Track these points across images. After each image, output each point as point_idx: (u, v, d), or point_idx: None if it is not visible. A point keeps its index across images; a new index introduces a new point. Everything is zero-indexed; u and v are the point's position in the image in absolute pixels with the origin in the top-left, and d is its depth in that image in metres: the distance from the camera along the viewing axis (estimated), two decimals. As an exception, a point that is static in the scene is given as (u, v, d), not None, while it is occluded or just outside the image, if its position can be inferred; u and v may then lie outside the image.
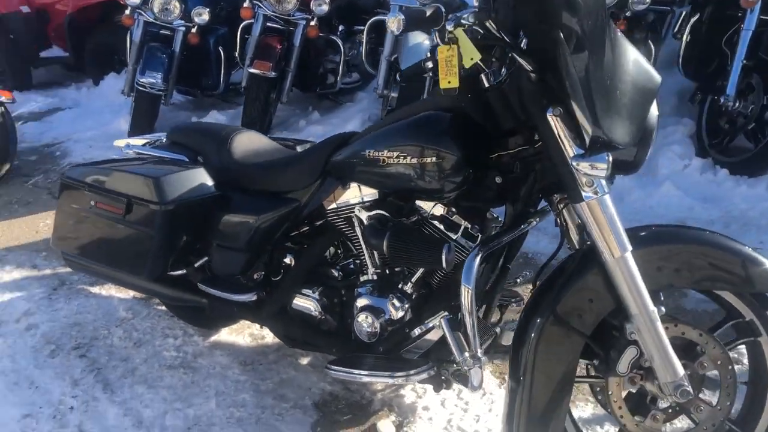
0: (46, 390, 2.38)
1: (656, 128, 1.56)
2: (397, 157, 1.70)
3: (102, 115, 5.71)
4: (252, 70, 4.39)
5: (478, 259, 1.56)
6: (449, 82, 1.31)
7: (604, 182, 1.50)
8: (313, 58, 4.92)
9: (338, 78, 5.01)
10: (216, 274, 2.21)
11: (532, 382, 1.57)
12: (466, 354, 1.56)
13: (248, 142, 2.22)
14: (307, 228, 2.10)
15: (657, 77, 1.53)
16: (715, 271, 1.55)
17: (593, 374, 1.68)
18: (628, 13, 3.59)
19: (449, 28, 1.28)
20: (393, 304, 1.83)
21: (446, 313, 1.71)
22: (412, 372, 1.72)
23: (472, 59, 1.27)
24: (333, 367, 1.85)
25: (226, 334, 2.61)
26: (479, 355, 1.57)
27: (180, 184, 2.06)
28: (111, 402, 2.28)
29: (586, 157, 1.44)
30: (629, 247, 1.51)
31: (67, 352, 2.58)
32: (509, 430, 1.61)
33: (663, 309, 1.54)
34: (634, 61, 1.50)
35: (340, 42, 4.91)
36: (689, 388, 1.53)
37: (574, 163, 1.44)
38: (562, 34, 1.27)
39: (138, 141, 2.47)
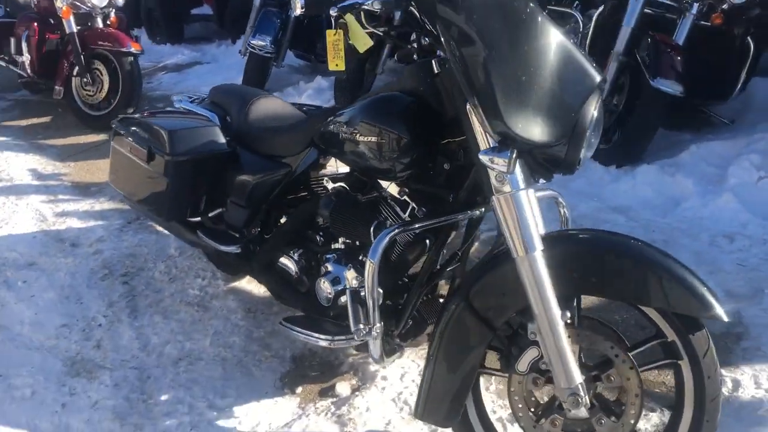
0: (87, 307, 2.74)
1: (592, 129, 1.50)
2: (354, 134, 1.78)
3: (230, 71, 6.15)
4: None
5: (387, 238, 1.61)
6: (336, 65, 1.38)
7: (519, 178, 1.49)
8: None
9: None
10: (228, 225, 2.42)
11: (436, 363, 1.61)
12: (360, 326, 1.63)
13: (265, 107, 2.38)
14: (300, 193, 2.23)
15: (594, 77, 1.48)
16: (637, 285, 1.49)
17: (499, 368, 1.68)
18: (725, 6, 3.28)
19: (332, 13, 1.34)
20: (349, 274, 1.93)
21: (355, 285, 1.78)
22: (335, 338, 1.81)
23: (364, 44, 1.33)
24: (283, 322, 1.99)
25: (245, 283, 2.82)
26: (375, 329, 1.63)
27: (192, 138, 2.27)
28: (130, 326, 2.58)
29: (492, 152, 1.44)
30: (537, 247, 1.49)
31: (115, 278, 2.94)
32: (414, 405, 1.67)
33: (568, 314, 1.52)
34: (566, 58, 1.45)
35: (578, 14, 4.22)
36: (583, 398, 1.50)
37: (481, 157, 1.46)
38: (439, 27, 1.29)
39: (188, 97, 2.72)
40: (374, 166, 1.78)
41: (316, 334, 1.87)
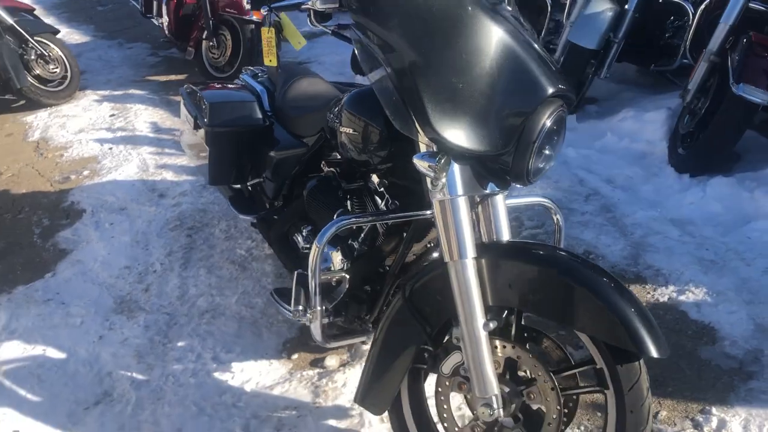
0: (150, 253, 3.05)
1: (542, 140, 1.44)
2: (338, 123, 1.84)
3: (355, 42, 6.32)
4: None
5: (335, 227, 1.67)
6: (270, 61, 1.44)
7: (458, 184, 1.48)
8: (654, 26, 3.98)
9: (682, 52, 3.80)
10: (264, 194, 2.58)
11: (375, 354, 1.67)
12: (299, 307, 1.71)
13: (305, 87, 2.49)
14: (313, 173, 2.34)
15: (546, 86, 1.40)
16: (570, 307, 1.45)
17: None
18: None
19: (263, 12, 1.40)
20: (335, 255, 2.01)
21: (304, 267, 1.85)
22: (300, 316, 1.89)
23: (299, 43, 1.38)
24: (272, 293, 2.12)
25: (287, 250, 2.99)
26: (315, 311, 1.70)
27: (230, 112, 2.44)
28: (178, 275, 2.85)
29: (426, 157, 1.45)
30: (469, 255, 1.48)
31: (182, 230, 3.23)
32: (355, 390, 1.74)
33: (492, 324, 1.50)
34: (514, 63, 1.39)
35: (688, 6, 3.76)
36: (495, 410, 1.49)
37: (415, 160, 1.47)
38: (358, 33, 1.31)
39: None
40: (354, 157, 1.84)
41: (285, 307, 1.98)
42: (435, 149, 1.42)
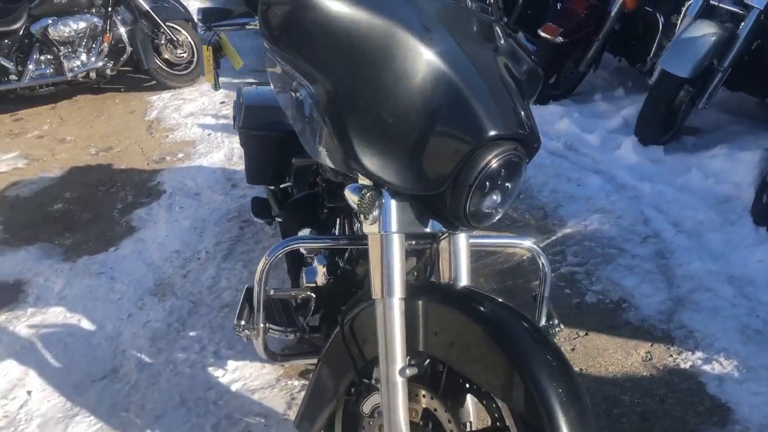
0: (201, 240, 3.21)
1: (482, 180, 1.32)
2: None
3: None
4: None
5: (286, 246, 1.66)
6: (209, 79, 1.45)
7: (392, 220, 1.42)
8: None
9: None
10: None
11: (313, 377, 1.65)
12: (242, 322, 1.72)
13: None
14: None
15: (486, 130, 1.29)
16: (491, 370, 1.35)
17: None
18: None
19: (200, 32, 1.40)
20: (321, 270, 2.01)
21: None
22: (239, 331, 1.85)
23: (237, 63, 1.38)
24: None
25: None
26: (257, 328, 1.70)
27: (263, 116, 2.49)
28: (217, 266, 2.98)
29: (354, 189, 1.40)
30: (396, 294, 1.41)
31: (237, 222, 3.36)
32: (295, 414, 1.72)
33: (409, 372, 1.42)
34: (454, 104, 1.30)
35: None
36: (407, 459, 1.42)
37: (345, 191, 1.42)
38: (278, 61, 1.28)
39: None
40: (330, 176, 1.82)
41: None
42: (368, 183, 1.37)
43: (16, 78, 5.35)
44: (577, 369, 2.17)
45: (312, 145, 1.40)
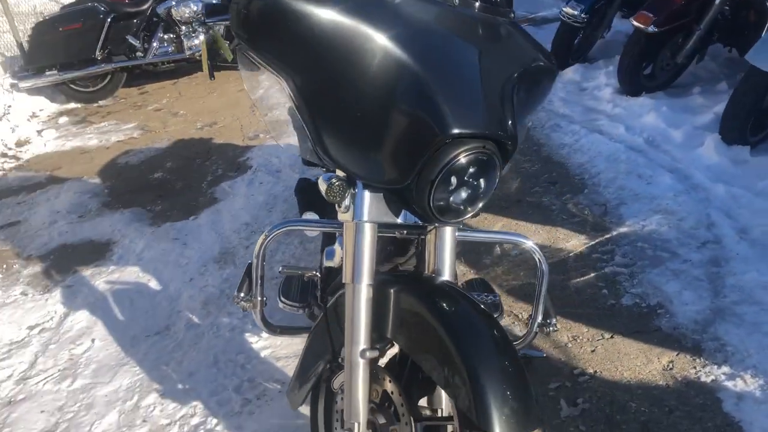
0: (271, 215, 3.43)
1: (439, 178, 1.35)
2: None
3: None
4: None
5: (279, 228, 1.77)
6: (204, 70, 1.56)
7: (365, 210, 1.47)
8: None
9: None
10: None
11: (303, 351, 1.77)
12: (241, 294, 1.85)
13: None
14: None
15: (449, 128, 1.31)
16: (441, 365, 1.40)
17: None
18: None
19: (199, 28, 1.51)
20: (338, 244, 2.11)
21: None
22: (238, 301, 1.98)
23: (229, 56, 1.50)
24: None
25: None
26: (255, 301, 1.82)
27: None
28: (277, 240, 3.16)
29: (326, 178, 1.48)
30: (364, 281, 1.48)
31: (280, 210, 3.52)
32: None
33: (369, 354, 1.50)
34: (421, 99, 1.32)
35: None
36: (357, 435, 1.51)
37: (319, 180, 1.51)
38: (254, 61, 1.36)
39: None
40: None
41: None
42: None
43: (142, 55, 5.85)
44: (591, 371, 2.14)
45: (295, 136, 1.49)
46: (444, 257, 1.57)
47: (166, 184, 4.07)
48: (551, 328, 1.87)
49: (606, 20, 4.84)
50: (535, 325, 1.83)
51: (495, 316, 1.99)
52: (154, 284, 2.94)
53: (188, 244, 3.24)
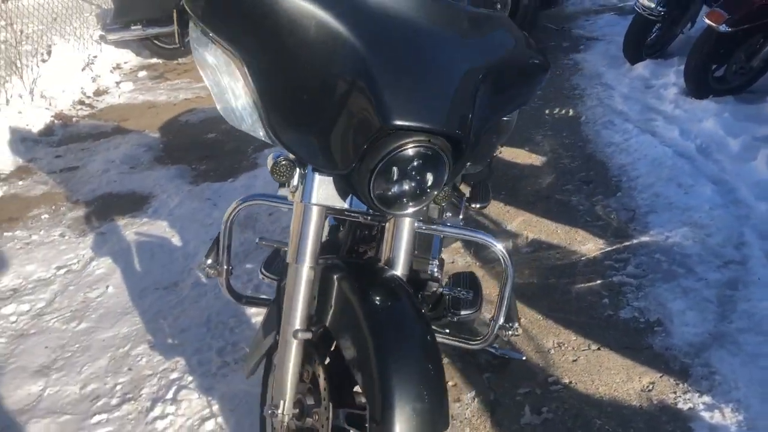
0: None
1: (379, 168, 1.33)
2: None
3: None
4: None
5: (251, 201, 1.79)
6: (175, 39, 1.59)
7: (313, 192, 1.46)
8: None
9: None
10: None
11: (260, 324, 1.82)
12: (208, 261, 1.89)
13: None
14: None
15: (389, 119, 1.26)
16: (357, 352, 1.41)
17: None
18: None
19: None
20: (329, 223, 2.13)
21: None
22: (201, 269, 2.03)
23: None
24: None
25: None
26: (221, 269, 1.87)
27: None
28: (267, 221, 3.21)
29: (273, 157, 1.49)
30: (306, 263, 1.48)
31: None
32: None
33: (301, 335, 1.52)
34: (364, 94, 1.30)
35: None
36: (279, 415, 1.54)
37: (269, 158, 1.52)
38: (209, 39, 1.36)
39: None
40: None
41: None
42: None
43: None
44: (566, 381, 2.08)
45: (240, 115, 1.50)
46: (398, 248, 1.56)
47: (217, 145, 4.21)
48: (512, 332, 1.83)
49: (689, 14, 4.55)
50: (496, 327, 1.79)
51: (469, 312, 1.97)
52: (176, 240, 3.06)
53: (218, 205, 3.35)
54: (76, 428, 2.05)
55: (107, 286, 2.75)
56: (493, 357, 2.21)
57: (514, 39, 1.53)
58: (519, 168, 3.51)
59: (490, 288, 2.48)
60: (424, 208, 1.61)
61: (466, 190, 2.63)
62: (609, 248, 2.72)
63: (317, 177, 1.44)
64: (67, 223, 3.32)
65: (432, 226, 1.80)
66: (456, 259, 2.76)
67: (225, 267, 1.90)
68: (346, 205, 1.50)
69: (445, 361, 2.20)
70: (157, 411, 2.08)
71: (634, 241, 2.75)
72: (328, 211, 1.51)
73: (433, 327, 2.04)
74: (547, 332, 2.29)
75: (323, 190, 1.46)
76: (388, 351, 1.34)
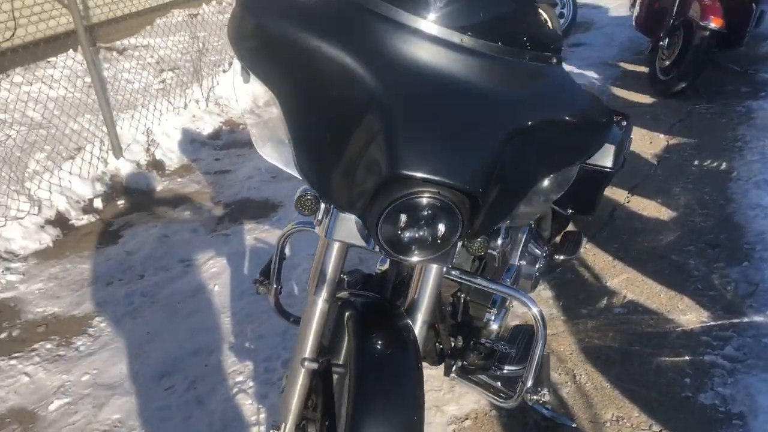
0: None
1: (385, 214, 1.34)
2: None
3: None
4: None
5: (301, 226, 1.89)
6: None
7: (334, 228, 1.48)
8: None
9: None
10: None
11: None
12: (261, 278, 2.01)
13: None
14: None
15: (395, 167, 1.18)
16: (345, 400, 1.46)
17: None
18: None
19: None
20: None
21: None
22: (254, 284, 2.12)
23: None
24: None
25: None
26: (270, 288, 1.97)
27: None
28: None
29: (300, 191, 1.56)
30: (321, 296, 1.55)
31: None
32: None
33: (307, 364, 1.58)
34: (379, 139, 1.32)
35: None
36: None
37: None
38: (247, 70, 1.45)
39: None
40: None
41: None
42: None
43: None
44: (612, 458, 1.94)
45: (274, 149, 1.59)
46: (421, 293, 1.55)
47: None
48: (539, 397, 1.76)
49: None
50: (524, 390, 1.74)
51: (514, 369, 1.95)
52: (287, 250, 3.25)
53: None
54: (143, 406, 2.28)
55: (215, 285, 3.00)
56: (542, 418, 2.11)
57: (560, 92, 1.45)
58: (642, 221, 3.29)
59: (560, 347, 2.37)
60: (457, 256, 1.59)
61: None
62: (712, 323, 2.47)
63: (339, 214, 1.47)
64: (202, 221, 3.67)
65: (463, 276, 1.77)
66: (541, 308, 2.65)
67: (275, 286, 2.01)
68: (365, 245, 1.53)
69: (492, 413, 2.14)
70: (208, 407, 2.25)
71: (745, 319, 2.47)
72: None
73: (470, 375, 2.01)
74: (610, 402, 2.14)
75: (344, 227, 1.47)
76: (365, 398, 1.36)
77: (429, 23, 1.27)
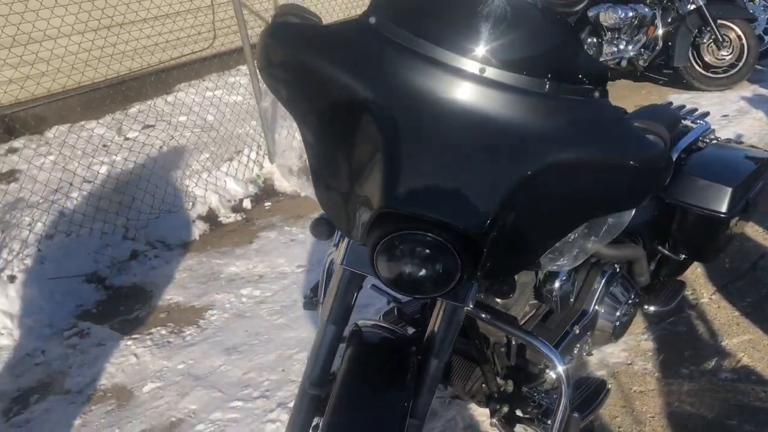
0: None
1: (379, 251, 1.31)
2: None
3: None
4: None
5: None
6: None
7: (347, 255, 1.46)
8: None
9: None
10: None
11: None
12: (310, 294, 2.05)
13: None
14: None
15: (382, 202, 1.17)
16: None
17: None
18: None
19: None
20: None
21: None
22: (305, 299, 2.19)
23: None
24: None
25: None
26: (319, 304, 2.01)
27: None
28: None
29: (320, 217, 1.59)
30: (330, 321, 1.56)
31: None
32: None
33: (311, 390, 1.59)
34: (378, 174, 1.30)
35: None
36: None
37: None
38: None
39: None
40: None
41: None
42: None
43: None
44: None
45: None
46: (436, 331, 1.49)
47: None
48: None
49: None
50: (547, 453, 1.64)
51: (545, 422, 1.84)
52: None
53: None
54: (218, 406, 2.45)
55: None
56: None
57: (594, 129, 1.30)
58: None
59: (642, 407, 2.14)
60: (478, 295, 1.54)
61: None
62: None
63: (352, 242, 1.47)
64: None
65: (483, 316, 1.67)
66: (635, 360, 2.42)
67: (321, 302, 2.05)
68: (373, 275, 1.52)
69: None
70: (273, 415, 2.36)
71: None
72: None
73: (511, 424, 1.87)
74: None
75: (356, 256, 1.46)
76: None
77: (445, 52, 1.22)
